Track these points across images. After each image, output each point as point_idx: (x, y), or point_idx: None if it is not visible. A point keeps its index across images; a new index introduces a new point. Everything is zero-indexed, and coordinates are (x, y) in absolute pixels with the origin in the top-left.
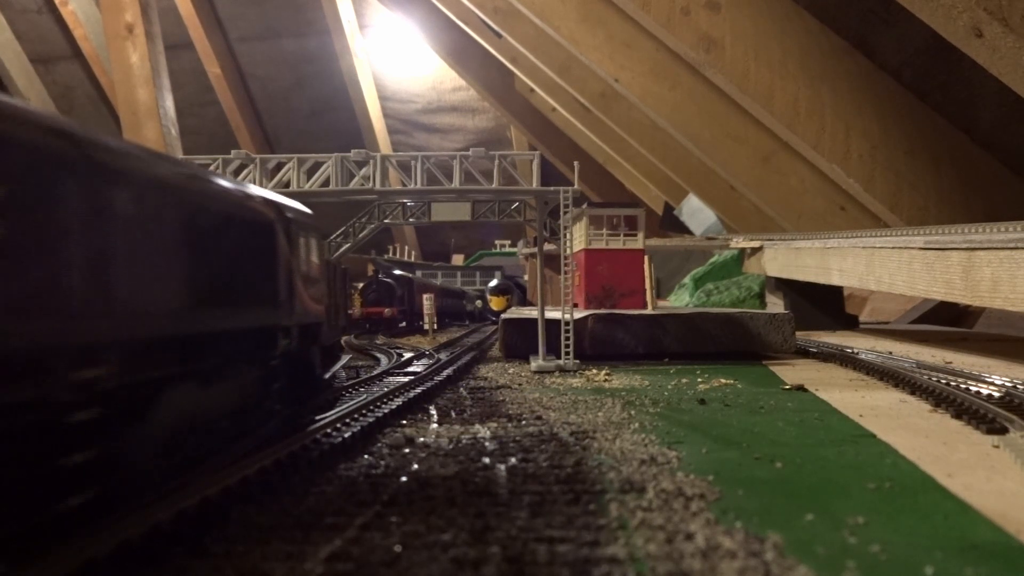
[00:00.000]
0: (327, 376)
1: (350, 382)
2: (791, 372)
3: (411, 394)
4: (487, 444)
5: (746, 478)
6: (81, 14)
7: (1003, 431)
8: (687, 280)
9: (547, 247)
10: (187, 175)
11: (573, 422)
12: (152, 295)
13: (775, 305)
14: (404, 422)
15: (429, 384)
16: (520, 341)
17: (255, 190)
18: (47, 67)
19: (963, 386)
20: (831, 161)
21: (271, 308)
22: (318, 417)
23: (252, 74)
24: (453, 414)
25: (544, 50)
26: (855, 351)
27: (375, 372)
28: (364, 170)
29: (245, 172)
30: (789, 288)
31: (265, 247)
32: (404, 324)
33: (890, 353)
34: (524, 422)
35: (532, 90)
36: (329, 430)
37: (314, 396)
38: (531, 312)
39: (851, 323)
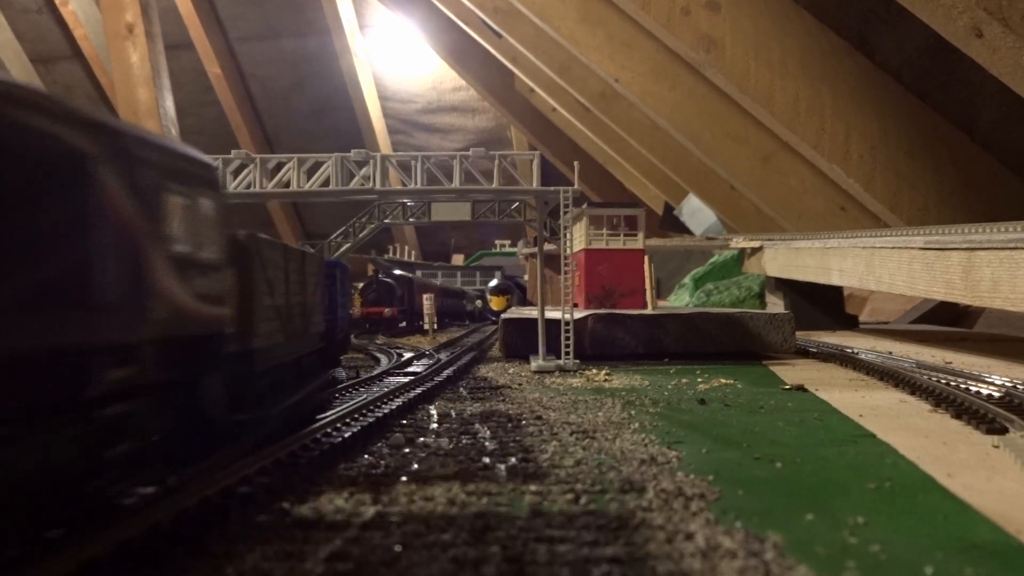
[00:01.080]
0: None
1: (349, 382)
2: (791, 372)
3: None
4: (487, 444)
5: (746, 478)
6: (81, 14)
7: (1003, 431)
8: (687, 280)
9: (547, 247)
10: None
11: (573, 422)
12: None
13: (775, 305)
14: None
15: (429, 384)
16: (520, 341)
17: (52, 99)
18: (47, 67)
19: (963, 386)
20: (831, 161)
21: (77, 315)
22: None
23: (252, 74)
24: (453, 414)
25: (544, 50)
26: (855, 351)
27: (375, 372)
28: (364, 170)
29: (245, 172)
30: (789, 288)
31: (60, 203)
32: (404, 324)
33: (890, 353)
34: (524, 422)
35: (532, 90)
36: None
37: (213, 448)
38: (531, 312)
39: (851, 323)
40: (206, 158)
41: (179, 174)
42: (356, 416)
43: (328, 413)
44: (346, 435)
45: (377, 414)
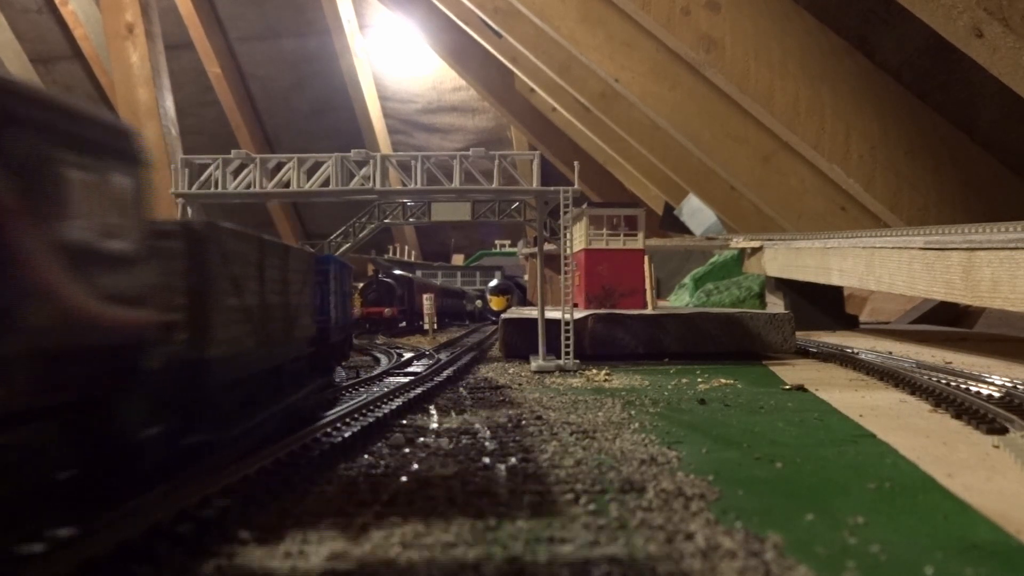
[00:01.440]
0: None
1: (349, 382)
2: (791, 372)
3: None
4: (487, 444)
5: (746, 478)
6: (81, 14)
7: (1003, 431)
8: (687, 280)
9: (547, 247)
10: None
11: (573, 422)
12: None
13: (775, 305)
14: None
15: (429, 385)
16: (520, 341)
17: None
18: (47, 67)
19: (963, 386)
20: (831, 161)
21: None
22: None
23: (252, 74)
24: (453, 414)
25: (544, 50)
26: (855, 351)
27: (375, 372)
28: (364, 170)
29: (245, 172)
30: (789, 288)
31: None
32: (404, 324)
33: (890, 353)
34: (524, 422)
35: (532, 90)
36: None
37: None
38: (531, 312)
39: (851, 323)
40: (120, 123)
41: (75, 140)
42: (356, 416)
43: (328, 413)
44: (346, 434)
45: (377, 414)
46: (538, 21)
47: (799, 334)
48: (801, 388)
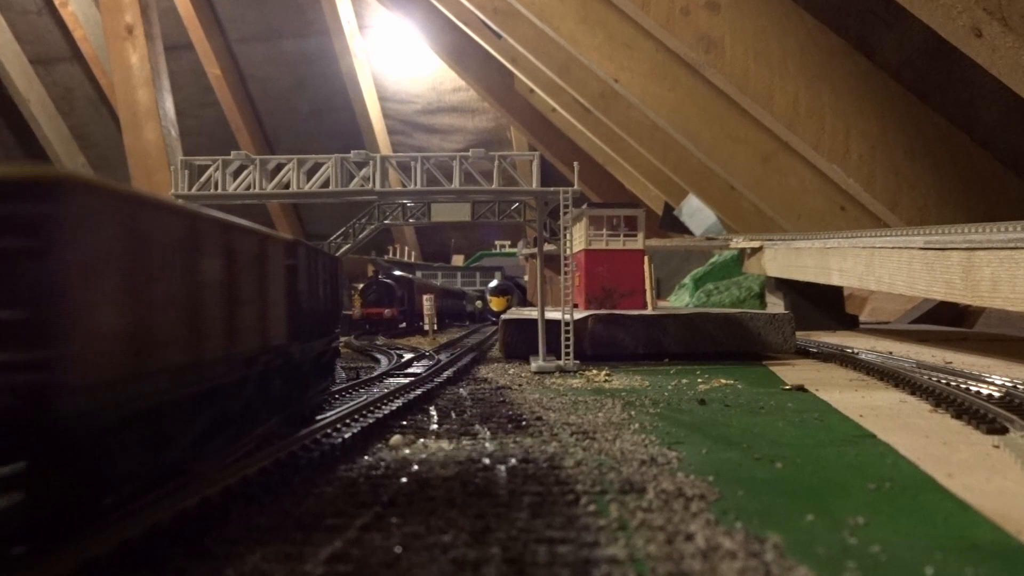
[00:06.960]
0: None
1: (350, 383)
2: (791, 372)
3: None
4: (487, 445)
5: (746, 478)
6: (81, 15)
7: (1003, 431)
8: (687, 280)
9: (547, 247)
10: None
11: (573, 423)
12: None
13: (775, 305)
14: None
15: (429, 386)
16: (520, 342)
17: None
18: (47, 68)
19: (963, 386)
20: (831, 161)
21: None
22: None
23: (252, 75)
24: (453, 415)
25: (544, 50)
26: (855, 351)
27: (375, 373)
28: (364, 171)
29: (245, 173)
30: (789, 288)
31: None
32: (404, 325)
33: (890, 353)
34: (524, 423)
35: (532, 90)
36: None
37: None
38: (531, 312)
39: (851, 323)
40: None
41: None
42: (356, 417)
43: (328, 414)
44: (346, 436)
45: (377, 415)
46: (538, 22)
47: (799, 334)
48: (801, 388)
